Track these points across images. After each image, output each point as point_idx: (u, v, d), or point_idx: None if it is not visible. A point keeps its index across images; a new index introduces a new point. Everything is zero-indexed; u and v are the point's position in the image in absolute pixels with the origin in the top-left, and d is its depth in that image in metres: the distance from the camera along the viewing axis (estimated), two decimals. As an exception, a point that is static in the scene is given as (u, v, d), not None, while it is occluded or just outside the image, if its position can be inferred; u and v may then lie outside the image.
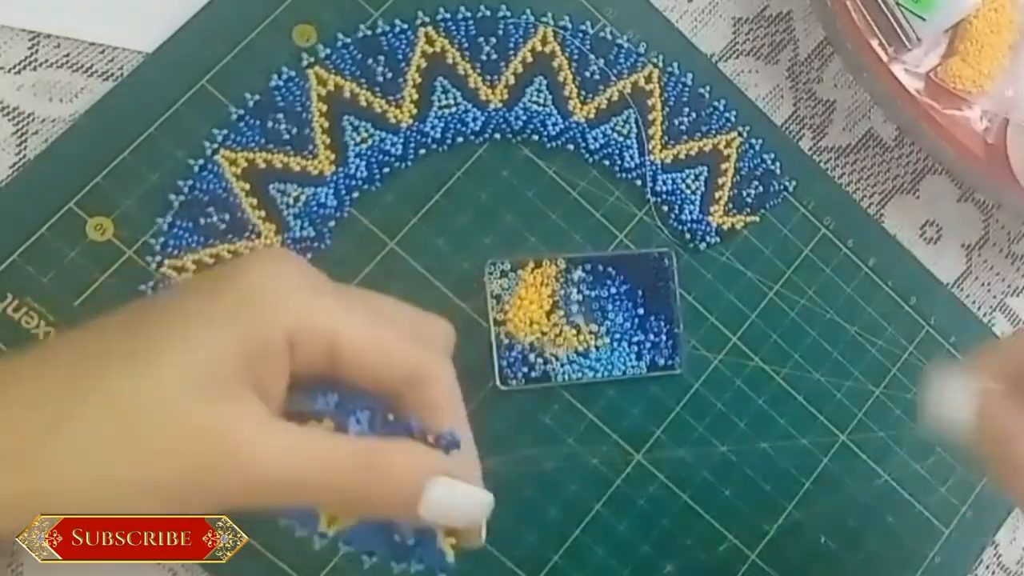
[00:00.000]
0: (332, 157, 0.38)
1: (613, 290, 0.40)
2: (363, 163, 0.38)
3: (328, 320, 0.25)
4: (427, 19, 0.40)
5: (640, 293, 0.40)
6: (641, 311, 0.40)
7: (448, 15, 0.40)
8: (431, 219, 0.39)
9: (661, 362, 0.40)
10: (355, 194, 0.38)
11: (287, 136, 0.38)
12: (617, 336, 0.39)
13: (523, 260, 0.39)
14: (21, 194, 0.35)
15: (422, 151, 0.39)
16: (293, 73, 0.38)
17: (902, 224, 0.46)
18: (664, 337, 0.40)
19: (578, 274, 0.39)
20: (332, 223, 0.38)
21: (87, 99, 0.36)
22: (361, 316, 0.26)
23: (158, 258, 0.36)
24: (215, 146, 0.37)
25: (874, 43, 0.43)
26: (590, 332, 0.39)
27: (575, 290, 0.39)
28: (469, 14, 0.40)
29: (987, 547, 0.44)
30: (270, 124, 0.37)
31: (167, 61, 0.37)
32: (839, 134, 0.46)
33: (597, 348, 0.39)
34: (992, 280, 0.47)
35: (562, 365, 0.38)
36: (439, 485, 0.25)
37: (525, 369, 0.38)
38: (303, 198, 0.37)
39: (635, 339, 0.40)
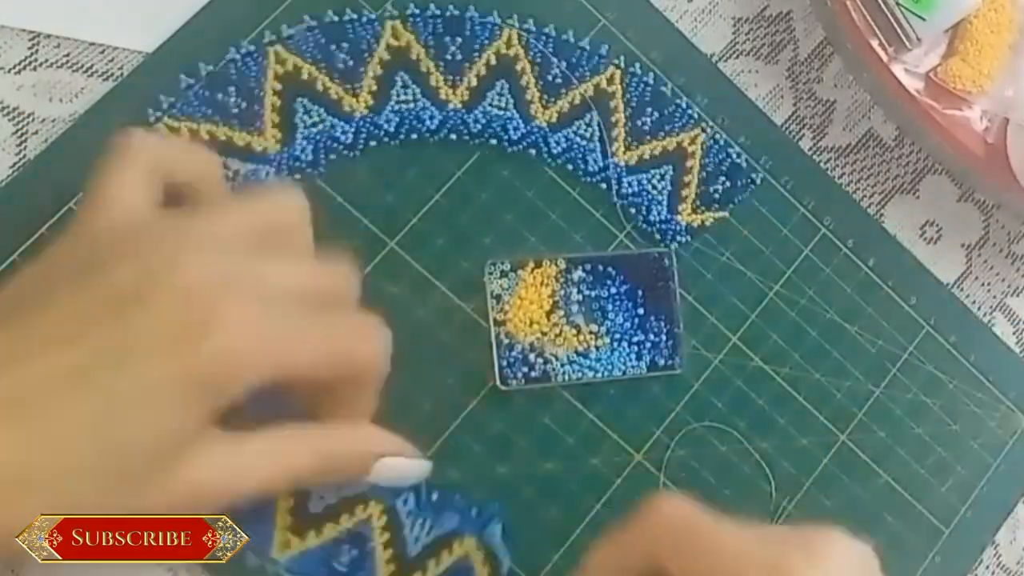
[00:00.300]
0: (279, 136, 0.38)
1: (613, 290, 0.40)
2: (310, 146, 0.38)
3: (278, 364, 0.27)
4: (395, 12, 0.39)
5: (640, 293, 0.40)
6: (641, 311, 0.40)
7: (417, 11, 0.40)
8: (431, 219, 0.39)
9: (661, 362, 0.40)
10: (296, 176, 0.38)
11: (235, 110, 0.37)
12: (617, 336, 0.39)
13: (523, 260, 0.39)
14: (21, 194, 0.35)
15: (372, 143, 0.39)
16: (252, 48, 0.38)
17: (902, 224, 0.46)
18: (664, 337, 0.40)
19: (578, 274, 0.39)
20: None
21: (87, 99, 0.36)
22: (308, 337, 0.28)
23: None
24: (158, 115, 0.36)
25: (874, 43, 0.43)
26: (590, 332, 0.39)
27: (575, 290, 0.39)
28: (439, 12, 0.40)
29: (987, 547, 0.44)
30: (220, 96, 0.37)
31: (167, 61, 0.37)
32: (839, 134, 0.46)
33: (597, 348, 0.39)
34: (992, 280, 0.47)
35: (562, 365, 0.38)
36: (385, 466, 0.32)
37: (525, 369, 0.38)
38: (242, 172, 0.37)
39: (635, 339, 0.40)
